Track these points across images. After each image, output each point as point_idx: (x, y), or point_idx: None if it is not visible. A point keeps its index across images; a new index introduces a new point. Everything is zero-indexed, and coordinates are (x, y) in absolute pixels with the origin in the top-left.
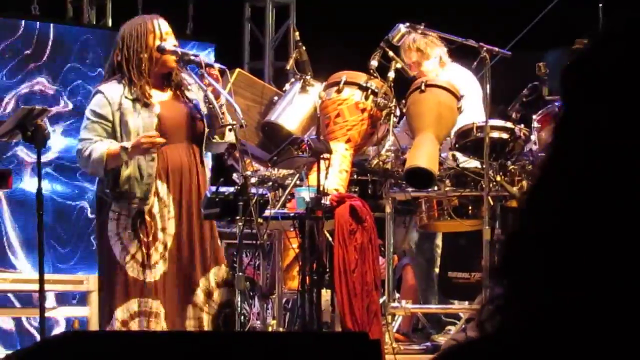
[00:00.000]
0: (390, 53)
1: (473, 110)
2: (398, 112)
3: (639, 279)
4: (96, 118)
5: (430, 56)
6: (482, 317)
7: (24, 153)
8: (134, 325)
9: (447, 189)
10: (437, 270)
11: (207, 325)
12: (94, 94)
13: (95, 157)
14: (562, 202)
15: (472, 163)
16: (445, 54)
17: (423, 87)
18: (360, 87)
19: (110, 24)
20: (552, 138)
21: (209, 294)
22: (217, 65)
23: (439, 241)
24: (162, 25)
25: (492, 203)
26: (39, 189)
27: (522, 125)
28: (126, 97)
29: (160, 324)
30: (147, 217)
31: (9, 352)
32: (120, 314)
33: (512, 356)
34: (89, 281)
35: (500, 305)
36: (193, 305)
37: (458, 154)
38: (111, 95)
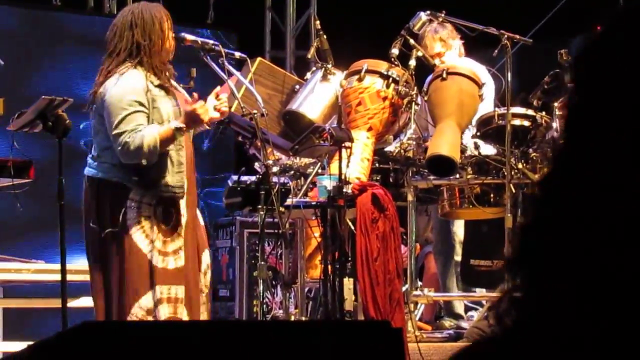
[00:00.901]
0: (412, 41)
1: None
2: (419, 100)
3: None
4: (134, 107)
5: (452, 47)
6: (500, 310)
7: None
8: (159, 313)
9: (469, 176)
10: (456, 257)
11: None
12: (118, 80)
13: (149, 144)
14: (575, 192)
15: (489, 150)
16: (461, 45)
17: (444, 75)
18: (381, 75)
19: (115, 11)
20: (564, 128)
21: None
22: (237, 54)
23: (455, 228)
24: (168, 16)
25: (514, 190)
26: (60, 179)
27: (544, 113)
28: (152, 83)
29: (185, 311)
30: (171, 207)
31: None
32: (144, 302)
33: (530, 352)
34: None
35: (516, 298)
36: (201, 291)
37: (479, 142)
38: (140, 80)
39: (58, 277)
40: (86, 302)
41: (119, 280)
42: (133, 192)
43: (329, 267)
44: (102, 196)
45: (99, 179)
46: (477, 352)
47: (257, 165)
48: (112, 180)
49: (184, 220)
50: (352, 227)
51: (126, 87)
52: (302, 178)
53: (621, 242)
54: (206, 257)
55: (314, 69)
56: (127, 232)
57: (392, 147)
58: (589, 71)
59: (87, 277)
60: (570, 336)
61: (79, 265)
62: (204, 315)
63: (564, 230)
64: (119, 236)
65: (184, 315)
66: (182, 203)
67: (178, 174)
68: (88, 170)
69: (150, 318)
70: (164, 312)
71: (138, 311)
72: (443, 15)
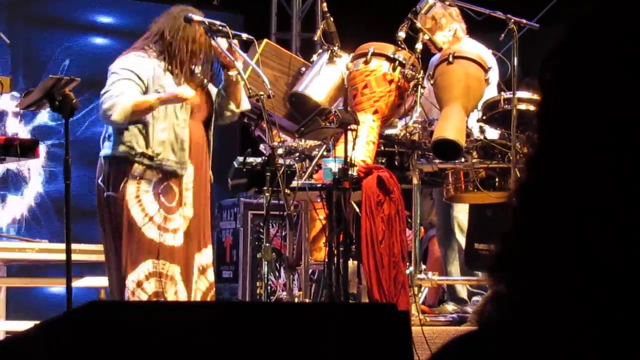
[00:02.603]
0: (418, 24)
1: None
2: (426, 84)
3: (632, 272)
4: (127, 75)
5: (444, 28)
6: (484, 312)
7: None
8: (148, 286)
9: (474, 160)
10: (459, 242)
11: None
12: (126, 55)
13: (123, 107)
14: (551, 196)
15: (494, 134)
16: (462, 29)
17: (451, 59)
18: (388, 58)
19: None
20: (536, 132)
21: (202, 271)
22: (244, 36)
23: (456, 213)
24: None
25: (519, 175)
26: (66, 159)
27: None
28: (162, 69)
29: (174, 288)
30: (173, 185)
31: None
32: (134, 275)
33: (513, 351)
34: None
35: (500, 299)
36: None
37: (485, 126)
38: (147, 61)
39: (62, 256)
40: (90, 282)
41: (115, 249)
42: (135, 166)
43: (334, 249)
44: (109, 169)
45: (107, 157)
46: (461, 353)
47: (262, 147)
48: (117, 155)
49: (188, 200)
50: (357, 210)
51: (128, 59)
52: (307, 160)
53: (601, 244)
54: (209, 253)
55: (320, 51)
56: (125, 206)
57: (397, 130)
58: (556, 74)
59: (91, 257)
60: (554, 339)
61: (83, 245)
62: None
63: (544, 234)
64: (117, 205)
65: (171, 294)
66: (187, 186)
67: (181, 150)
68: (101, 153)
69: (139, 290)
70: (151, 287)
71: (129, 283)
72: None
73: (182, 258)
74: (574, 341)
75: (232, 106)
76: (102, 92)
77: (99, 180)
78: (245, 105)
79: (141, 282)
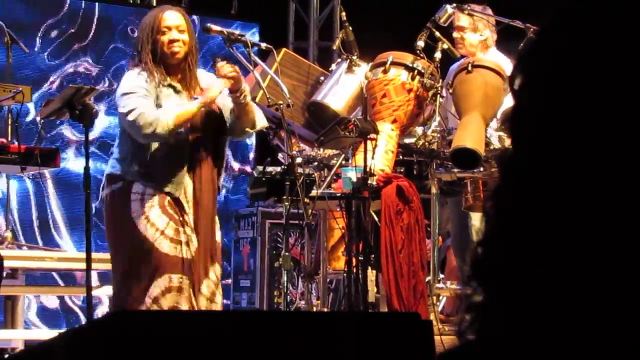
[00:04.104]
0: (437, 33)
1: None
2: (444, 93)
3: (611, 279)
4: (139, 91)
5: (477, 30)
6: (462, 325)
7: (68, 132)
8: (165, 302)
9: (493, 169)
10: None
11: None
12: (124, 77)
13: (166, 117)
14: (522, 201)
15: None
16: (492, 39)
17: (470, 68)
18: (406, 67)
19: (154, 3)
20: (510, 135)
21: (212, 292)
22: (263, 45)
23: (474, 222)
24: (165, 19)
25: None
26: (87, 167)
27: None
28: (157, 82)
29: (189, 301)
30: (176, 197)
31: (55, 331)
32: (152, 290)
33: None
34: None
35: (477, 311)
36: (210, 301)
37: (504, 135)
38: (142, 76)
39: (82, 265)
40: (110, 290)
41: (128, 268)
42: (136, 185)
43: (353, 258)
44: (112, 188)
45: (108, 175)
46: None
47: (280, 156)
48: (116, 174)
49: (187, 218)
50: (377, 219)
51: (130, 78)
52: (326, 169)
53: (579, 251)
54: (217, 271)
55: (339, 60)
56: (132, 224)
57: (415, 139)
58: (527, 75)
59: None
60: (534, 349)
61: (103, 254)
62: None
63: (521, 241)
64: (122, 229)
65: (186, 308)
66: (187, 203)
67: (178, 168)
68: (105, 170)
69: (155, 307)
70: (167, 302)
71: (147, 300)
72: (469, 7)
73: (196, 270)
74: (550, 349)
75: (247, 129)
76: (123, 111)
77: (104, 197)
78: (261, 122)
79: (157, 298)
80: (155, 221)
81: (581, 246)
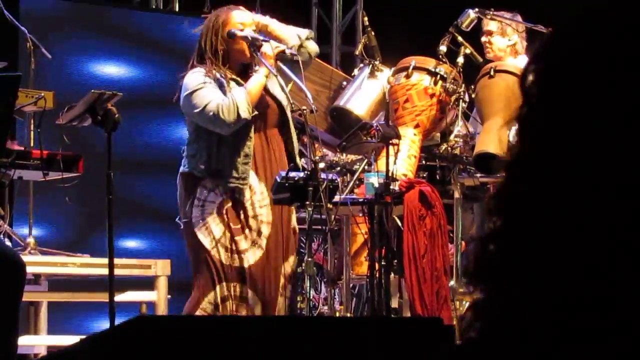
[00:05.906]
0: (459, 38)
1: None
2: (467, 98)
3: (611, 279)
4: (205, 84)
5: (505, 35)
6: (464, 324)
7: None
8: (224, 310)
9: None
10: None
11: (283, 310)
12: (186, 76)
13: (241, 99)
14: (525, 201)
15: None
16: (522, 45)
17: (492, 73)
18: (429, 72)
19: (177, 8)
20: (517, 137)
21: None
22: (288, 51)
23: None
24: (236, 16)
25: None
26: (109, 173)
27: None
28: (221, 77)
29: (252, 310)
30: (237, 206)
31: (75, 337)
32: (211, 297)
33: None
34: (157, 265)
35: (479, 310)
36: (280, 295)
37: None
38: (204, 72)
39: (104, 271)
40: (132, 296)
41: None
42: (201, 186)
43: (376, 264)
44: (181, 188)
45: (180, 173)
46: None
47: (303, 161)
48: (185, 172)
49: (260, 220)
50: (399, 224)
51: (193, 75)
52: (349, 174)
53: (579, 251)
54: (293, 263)
55: (361, 65)
56: (193, 228)
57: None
58: (537, 77)
59: (133, 272)
60: (532, 346)
61: (126, 260)
62: None
63: (522, 239)
64: (189, 230)
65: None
66: (257, 203)
67: (244, 165)
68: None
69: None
70: (227, 310)
71: (207, 306)
72: (492, 12)
73: (258, 277)
74: (546, 347)
75: (304, 51)
76: (198, 110)
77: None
78: (294, 39)
79: (217, 306)
80: (212, 229)
81: (582, 246)
